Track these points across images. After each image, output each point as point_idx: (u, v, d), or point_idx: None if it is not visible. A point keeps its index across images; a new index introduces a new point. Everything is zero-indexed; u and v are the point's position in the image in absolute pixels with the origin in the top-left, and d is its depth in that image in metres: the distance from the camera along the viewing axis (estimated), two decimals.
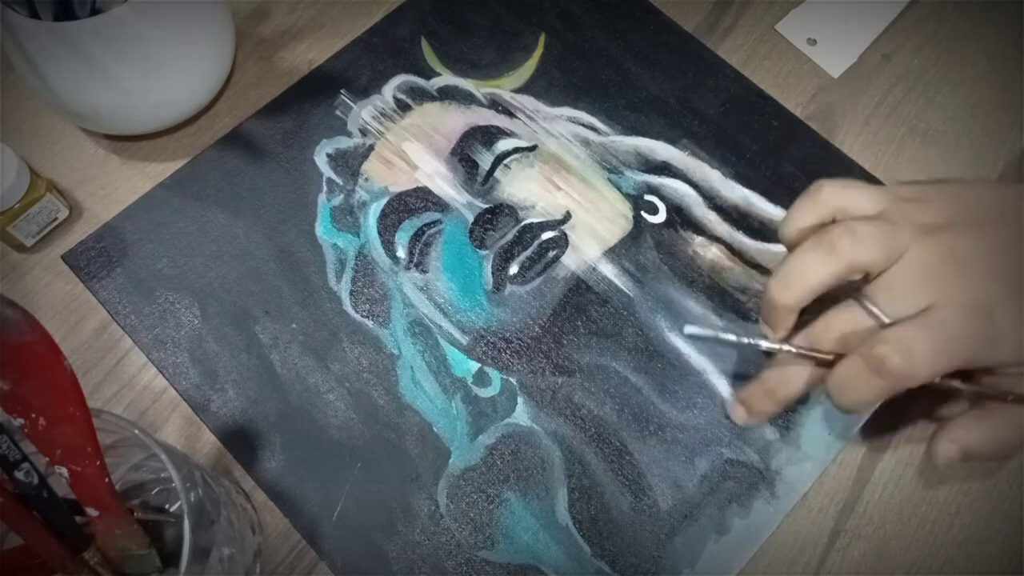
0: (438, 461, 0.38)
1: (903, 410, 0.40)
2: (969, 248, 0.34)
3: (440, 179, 0.44)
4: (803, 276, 0.34)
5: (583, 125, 0.46)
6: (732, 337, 0.36)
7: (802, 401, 0.39)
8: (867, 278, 0.34)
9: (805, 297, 0.34)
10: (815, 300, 0.35)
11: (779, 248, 0.42)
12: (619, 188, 0.44)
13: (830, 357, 0.34)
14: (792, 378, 0.36)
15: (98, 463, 0.27)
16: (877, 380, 0.32)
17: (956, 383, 0.34)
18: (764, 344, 0.36)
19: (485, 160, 0.44)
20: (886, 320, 0.33)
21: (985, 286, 0.33)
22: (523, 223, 0.43)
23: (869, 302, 0.34)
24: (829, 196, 0.35)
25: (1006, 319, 0.33)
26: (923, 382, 0.32)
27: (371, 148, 0.45)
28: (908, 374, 0.31)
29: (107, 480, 0.28)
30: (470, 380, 0.40)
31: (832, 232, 0.34)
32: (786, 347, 0.35)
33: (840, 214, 0.35)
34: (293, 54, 0.49)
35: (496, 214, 0.43)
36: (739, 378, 0.40)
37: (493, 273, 0.42)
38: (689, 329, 0.36)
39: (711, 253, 0.43)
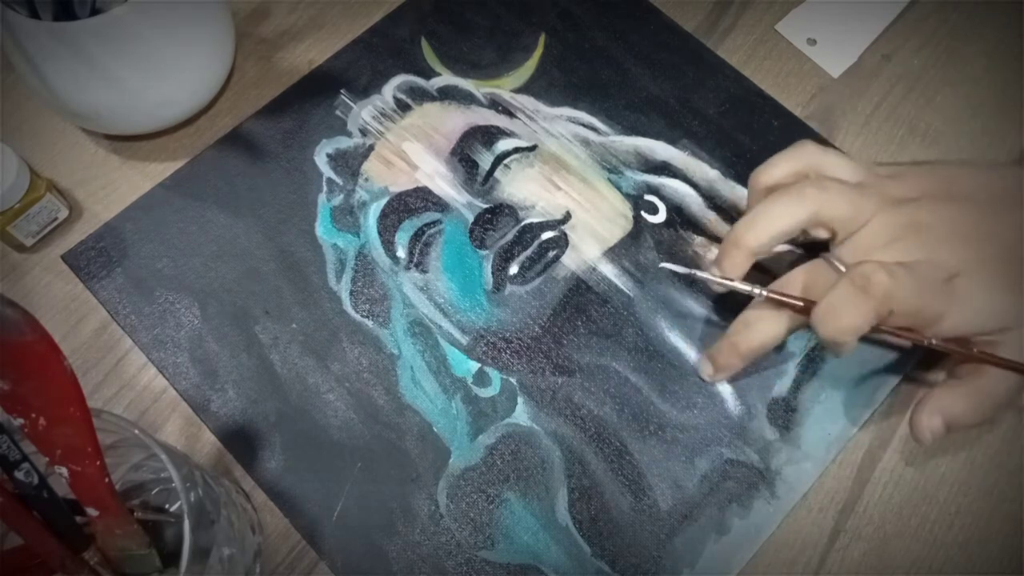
0: (438, 461, 0.38)
1: (903, 410, 0.40)
2: (935, 218, 0.35)
3: (440, 179, 0.44)
4: (769, 220, 0.36)
5: (583, 125, 0.46)
6: (707, 275, 0.37)
7: (766, 356, 0.38)
8: (833, 240, 0.36)
9: (767, 241, 0.36)
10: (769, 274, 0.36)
11: (779, 248, 0.42)
12: (619, 188, 0.44)
13: (800, 303, 0.35)
14: (754, 329, 0.37)
15: (98, 463, 0.27)
16: (863, 299, 0.32)
17: (934, 342, 0.35)
18: (739, 285, 0.36)
19: (485, 160, 0.44)
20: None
21: (948, 254, 0.34)
22: (523, 223, 0.43)
23: (835, 260, 0.35)
24: (810, 154, 0.37)
25: (965, 288, 0.33)
26: (911, 307, 0.33)
27: (371, 148, 0.45)
28: (892, 292, 0.32)
29: (107, 480, 0.27)
30: (470, 380, 0.40)
31: (803, 182, 0.36)
32: (759, 289, 0.36)
33: (815, 172, 0.36)
34: (293, 54, 0.49)
35: (496, 214, 0.43)
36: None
37: (493, 273, 0.42)
38: (664, 264, 0.38)
39: (711, 253, 0.43)
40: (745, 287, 0.36)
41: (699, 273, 0.37)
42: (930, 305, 0.33)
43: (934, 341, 0.35)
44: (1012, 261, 0.34)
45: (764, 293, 0.36)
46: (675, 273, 0.42)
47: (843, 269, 0.34)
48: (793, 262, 0.41)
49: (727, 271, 0.37)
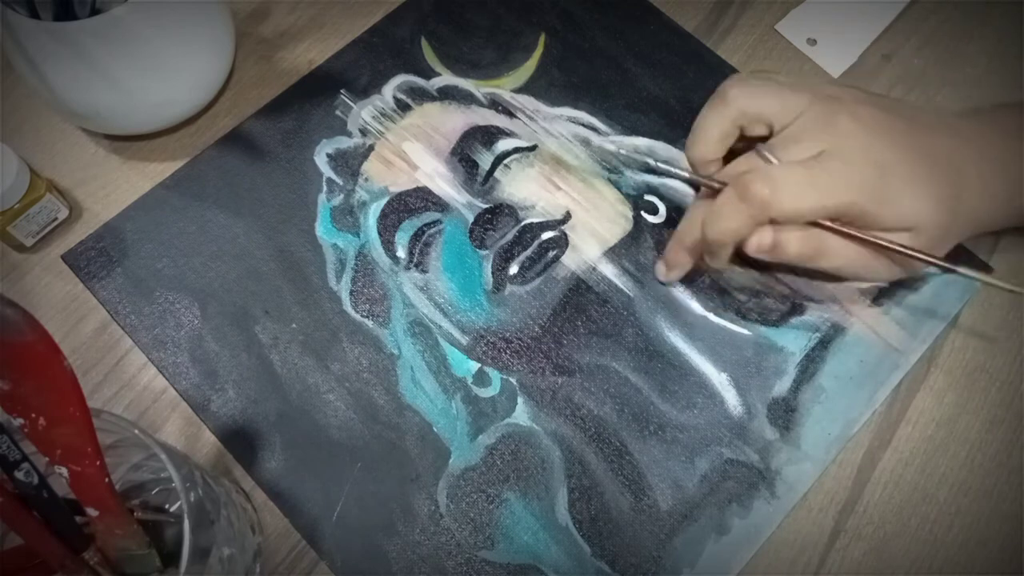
0: (438, 461, 0.38)
1: (903, 410, 0.40)
2: (870, 112, 0.36)
3: (440, 179, 0.44)
4: (703, 129, 0.38)
5: (583, 125, 0.46)
6: (666, 166, 0.39)
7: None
8: (771, 135, 0.37)
9: (710, 148, 0.38)
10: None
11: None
12: (619, 188, 0.44)
13: (716, 185, 0.37)
14: (695, 224, 0.38)
15: (98, 463, 0.27)
16: (742, 206, 0.34)
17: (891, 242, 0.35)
18: (685, 175, 0.39)
19: (485, 160, 0.44)
20: (774, 161, 0.35)
21: (882, 146, 0.35)
22: (523, 223, 0.43)
23: (765, 150, 0.36)
24: (736, 99, 0.38)
25: (899, 179, 0.34)
26: (793, 214, 0.34)
27: (371, 148, 0.45)
28: (768, 201, 0.34)
29: (107, 480, 0.28)
30: (470, 380, 0.40)
31: (724, 84, 0.38)
32: (678, 171, 0.39)
33: (750, 122, 0.37)
34: (293, 54, 0.49)
35: (496, 214, 0.43)
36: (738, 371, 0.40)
37: (493, 273, 0.42)
38: (622, 151, 0.42)
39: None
40: (670, 168, 0.39)
41: (652, 162, 0.40)
42: (841, 198, 0.34)
43: (880, 240, 0.35)
44: (936, 165, 0.35)
45: (686, 175, 0.39)
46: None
47: (773, 160, 0.35)
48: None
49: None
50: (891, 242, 0.35)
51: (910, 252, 0.35)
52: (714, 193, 0.37)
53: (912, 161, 0.35)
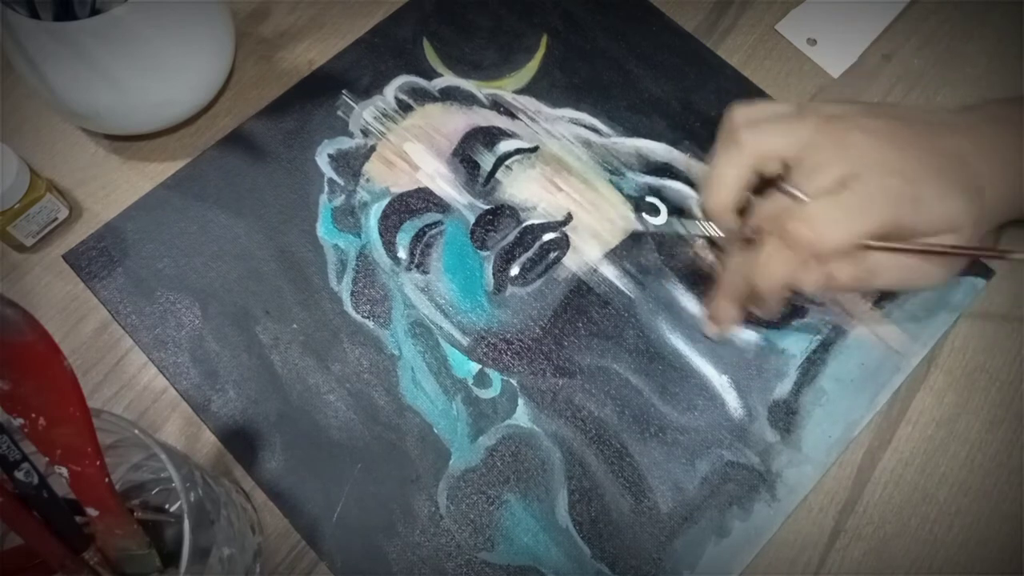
0: (438, 462, 0.38)
1: (904, 412, 0.40)
2: (876, 124, 0.35)
3: (441, 180, 0.44)
4: (720, 178, 0.36)
5: (584, 126, 0.46)
6: (681, 230, 0.41)
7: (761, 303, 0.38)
8: (788, 171, 0.36)
9: (728, 196, 0.36)
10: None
11: None
12: (620, 190, 0.44)
13: (751, 235, 0.36)
14: (738, 276, 0.37)
15: (98, 463, 0.27)
16: (788, 253, 0.34)
17: (933, 243, 0.35)
18: (713, 231, 0.38)
19: (486, 161, 0.44)
20: (804, 198, 0.34)
21: (898, 155, 0.34)
22: (524, 224, 0.43)
23: (791, 187, 0.35)
24: (750, 145, 0.36)
25: (925, 185, 0.34)
26: (840, 246, 0.33)
27: (372, 149, 0.45)
28: (813, 241, 0.33)
29: (107, 480, 0.27)
30: (471, 381, 0.40)
31: (730, 130, 0.36)
32: (709, 228, 0.38)
33: (766, 162, 0.36)
34: (293, 54, 0.49)
35: (497, 215, 0.43)
36: (736, 375, 0.40)
37: (494, 274, 0.42)
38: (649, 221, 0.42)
39: (712, 255, 0.43)
40: (702, 228, 0.38)
41: (684, 231, 0.41)
42: (882, 215, 0.33)
43: (927, 247, 0.35)
44: (951, 163, 0.35)
45: (717, 233, 0.38)
46: (677, 280, 0.42)
47: (802, 196, 0.34)
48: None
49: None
50: (938, 245, 0.35)
51: (959, 251, 0.35)
52: (746, 241, 0.36)
53: (929, 164, 0.35)
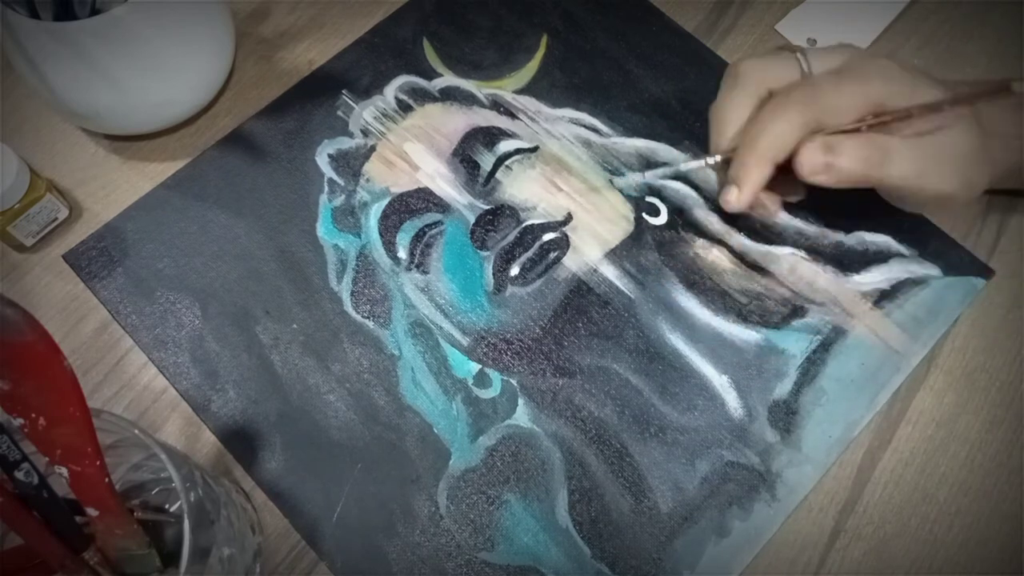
0: (438, 462, 0.38)
1: (904, 412, 0.40)
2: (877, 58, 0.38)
3: (441, 180, 0.44)
4: (725, 112, 0.38)
5: (585, 126, 0.46)
6: (694, 163, 0.41)
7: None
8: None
9: (735, 128, 0.38)
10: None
11: (781, 251, 0.42)
12: (620, 190, 0.44)
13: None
14: (760, 127, 0.37)
15: (98, 463, 0.27)
16: (787, 103, 0.36)
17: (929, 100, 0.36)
18: (710, 159, 0.40)
19: (486, 161, 0.44)
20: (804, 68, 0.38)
21: (901, 67, 0.37)
22: (524, 224, 0.43)
23: (800, 54, 0.38)
24: (751, 74, 0.39)
25: (925, 80, 0.37)
26: (833, 109, 0.36)
27: (372, 149, 0.45)
28: (811, 94, 0.36)
29: (107, 480, 0.27)
30: (471, 381, 0.40)
31: (730, 69, 0.39)
32: (705, 158, 0.40)
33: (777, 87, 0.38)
34: (293, 54, 0.49)
35: (497, 215, 0.43)
36: (737, 374, 0.40)
37: (494, 274, 0.42)
38: (648, 173, 0.43)
39: (712, 255, 0.43)
40: (715, 159, 0.40)
41: (683, 166, 0.42)
42: (887, 89, 0.36)
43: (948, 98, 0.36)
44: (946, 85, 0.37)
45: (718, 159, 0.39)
46: (677, 280, 0.42)
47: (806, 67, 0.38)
48: (794, 264, 0.41)
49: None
50: (943, 100, 0.36)
51: (963, 99, 0.36)
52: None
53: (925, 76, 0.37)
